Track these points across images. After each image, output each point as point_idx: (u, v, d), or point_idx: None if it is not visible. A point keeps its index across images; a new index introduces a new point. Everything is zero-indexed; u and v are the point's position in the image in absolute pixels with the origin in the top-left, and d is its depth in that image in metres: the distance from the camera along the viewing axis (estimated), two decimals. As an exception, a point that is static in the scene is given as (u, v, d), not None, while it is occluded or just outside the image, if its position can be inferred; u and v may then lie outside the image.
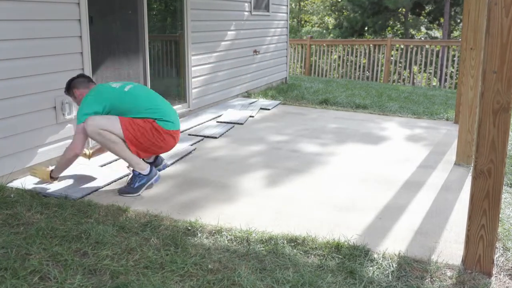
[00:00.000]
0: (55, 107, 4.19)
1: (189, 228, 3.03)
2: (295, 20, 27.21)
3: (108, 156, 4.51)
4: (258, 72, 8.45)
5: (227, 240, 2.89)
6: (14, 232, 2.91)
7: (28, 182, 3.77)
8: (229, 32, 7.33)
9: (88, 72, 4.49)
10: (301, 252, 2.78)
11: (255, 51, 8.23)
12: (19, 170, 3.89)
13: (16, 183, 3.74)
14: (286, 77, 9.81)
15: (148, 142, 3.55)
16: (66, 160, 3.58)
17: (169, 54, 6.22)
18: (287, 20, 9.62)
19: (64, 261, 2.59)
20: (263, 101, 7.51)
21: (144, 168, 3.62)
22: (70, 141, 4.36)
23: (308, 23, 28.46)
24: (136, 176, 3.60)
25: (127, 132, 3.48)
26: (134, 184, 3.59)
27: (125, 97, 3.55)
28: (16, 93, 3.82)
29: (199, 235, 2.95)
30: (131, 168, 3.64)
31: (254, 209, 3.39)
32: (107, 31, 4.84)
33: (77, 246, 2.76)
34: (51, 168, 3.72)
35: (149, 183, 3.64)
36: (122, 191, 3.59)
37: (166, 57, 6.18)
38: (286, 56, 9.74)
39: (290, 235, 2.94)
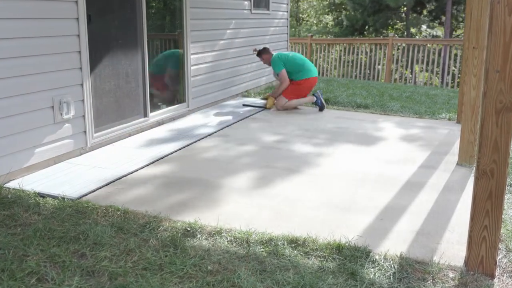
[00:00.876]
0: (52, 106, 4.19)
1: (188, 229, 3.03)
2: (294, 19, 27.20)
3: (108, 156, 4.51)
4: (258, 71, 8.45)
5: (227, 241, 2.89)
6: (11, 233, 2.90)
7: (25, 182, 3.77)
8: (228, 31, 7.33)
9: (86, 70, 4.49)
10: (301, 253, 2.77)
11: (255, 50, 8.22)
12: (16, 170, 3.89)
13: (13, 184, 3.74)
14: (286, 76, 9.79)
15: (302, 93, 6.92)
16: (282, 88, 6.76)
17: (168, 53, 6.22)
18: (287, 19, 9.61)
19: (62, 263, 2.58)
20: (262, 101, 7.51)
21: (312, 98, 6.88)
22: (68, 140, 4.37)
23: (307, 22, 28.46)
24: (316, 103, 6.85)
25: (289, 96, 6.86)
26: (319, 105, 6.81)
27: (291, 59, 6.81)
28: (13, 92, 3.82)
29: (199, 236, 2.95)
30: (313, 103, 6.94)
31: (254, 210, 3.39)
32: (105, 29, 4.84)
33: (75, 247, 2.76)
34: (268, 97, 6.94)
35: (321, 97, 6.80)
36: (320, 110, 6.86)
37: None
38: (286, 55, 9.73)
39: (291, 236, 2.94)
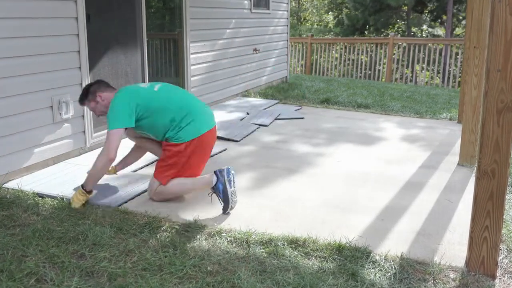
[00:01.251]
0: (51, 106, 4.18)
1: (188, 229, 3.03)
2: (295, 18, 27.21)
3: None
4: (258, 71, 8.45)
5: (227, 242, 2.89)
6: (10, 234, 2.90)
7: (24, 182, 3.77)
8: (228, 30, 7.33)
9: (85, 70, 4.49)
10: (302, 253, 2.77)
11: (255, 50, 8.23)
12: (15, 170, 3.89)
13: (12, 184, 3.74)
14: (286, 76, 9.81)
15: (194, 163, 3.46)
16: (100, 168, 3.34)
17: (168, 52, 6.22)
18: (287, 18, 9.61)
19: (61, 263, 2.58)
20: (262, 101, 7.51)
21: (211, 180, 3.35)
22: (67, 140, 4.36)
23: (307, 21, 28.47)
24: (216, 193, 3.35)
25: (164, 178, 3.43)
26: (222, 198, 3.31)
27: (156, 96, 3.43)
28: (11, 92, 3.82)
29: (198, 236, 2.95)
30: (209, 193, 3.42)
31: (254, 210, 3.39)
32: (104, 29, 4.84)
33: (74, 248, 2.76)
34: (79, 187, 3.41)
35: (227, 183, 3.29)
36: (224, 212, 3.32)
37: (165, 56, 6.17)
38: (287, 55, 9.74)
39: (291, 237, 2.93)
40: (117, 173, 3.91)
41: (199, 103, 3.57)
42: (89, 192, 3.39)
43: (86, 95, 3.53)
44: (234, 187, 3.31)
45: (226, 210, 3.31)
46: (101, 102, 3.50)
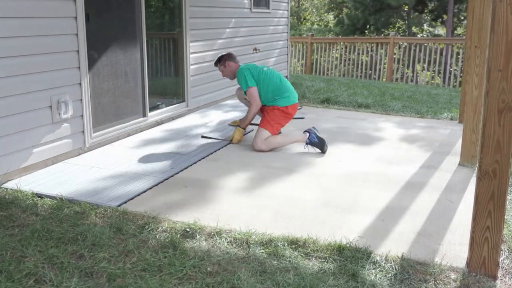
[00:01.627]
0: (50, 106, 4.18)
1: (188, 230, 3.03)
2: (295, 17, 27.22)
3: (107, 157, 4.52)
4: (258, 71, 8.44)
5: (227, 242, 2.89)
6: (9, 234, 2.90)
7: (23, 182, 3.77)
8: (228, 30, 7.33)
9: (84, 70, 4.49)
10: (302, 254, 2.77)
11: (255, 49, 8.23)
12: (14, 170, 3.89)
13: (11, 184, 3.74)
14: (286, 76, 9.81)
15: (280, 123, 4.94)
16: (253, 113, 4.92)
17: (167, 52, 6.22)
18: (287, 18, 9.61)
19: (60, 264, 2.58)
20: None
21: (304, 136, 4.83)
22: (66, 140, 4.37)
23: (307, 21, 28.47)
24: (311, 144, 4.77)
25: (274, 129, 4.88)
26: (318, 143, 4.75)
27: (267, 76, 4.92)
28: (10, 92, 3.82)
29: (198, 237, 2.95)
30: (304, 147, 4.83)
31: (254, 210, 3.39)
32: (104, 28, 4.84)
33: (73, 248, 2.75)
34: (237, 126, 5.13)
35: (317, 132, 4.80)
36: (321, 151, 4.75)
37: (164, 55, 6.18)
38: (287, 54, 9.74)
39: (291, 237, 2.93)
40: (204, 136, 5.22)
41: (291, 87, 5.09)
42: (244, 129, 5.10)
43: (220, 61, 5.12)
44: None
45: (324, 150, 4.75)
46: (226, 68, 5.08)
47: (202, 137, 5.23)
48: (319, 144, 4.72)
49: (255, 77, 4.87)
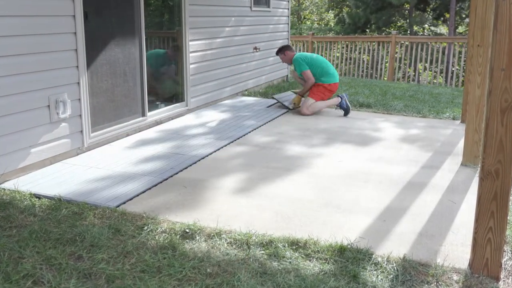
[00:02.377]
0: (48, 105, 4.18)
1: (187, 230, 3.03)
2: (295, 16, 27.21)
3: (105, 157, 4.52)
4: (258, 70, 8.45)
5: (227, 243, 2.89)
6: (6, 235, 2.90)
7: (21, 183, 3.77)
8: (228, 29, 7.33)
9: (82, 69, 4.49)
10: (302, 255, 2.77)
11: (255, 48, 8.22)
12: (11, 171, 3.89)
13: (9, 184, 3.74)
14: (287, 75, 9.80)
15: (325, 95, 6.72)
16: (309, 86, 6.64)
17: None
18: (288, 16, 9.61)
19: (58, 265, 2.58)
20: (261, 100, 7.51)
21: (337, 100, 6.59)
22: (64, 140, 4.37)
23: (308, 20, 28.46)
24: (341, 108, 6.54)
25: (317, 98, 6.67)
26: (344, 109, 6.49)
27: (315, 62, 6.70)
28: (8, 91, 3.82)
29: (198, 238, 2.95)
30: (336, 108, 6.69)
31: (254, 211, 3.39)
32: (102, 27, 4.84)
33: (72, 249, 2.75)
34: (297, 93, 6.88)
35: (346, 99, 6.52)
36: (344, 115, 6.56)
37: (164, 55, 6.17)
38: (287, 53, 9.72)
39: (291, 238, 2.93)
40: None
41: (334, 70, 6.75)
42: (302, 96, 6.83)
43: (281, 50, 6.96)
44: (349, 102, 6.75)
45: (347, 114, 6.54)
46: (285, 56, 6.93)
47: (273, 98, 7.14)
48: (346, 110, 6.48)
49: (308, 62, 6.62)
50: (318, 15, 28.28)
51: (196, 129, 5.63)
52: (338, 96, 6.61)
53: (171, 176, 4.03)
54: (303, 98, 6.79)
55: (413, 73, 11.95)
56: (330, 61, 12.70)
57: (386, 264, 2.68)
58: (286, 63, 7.04)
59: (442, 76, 11.73)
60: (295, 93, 7.10)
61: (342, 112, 6.61)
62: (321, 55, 12.76)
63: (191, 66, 6.40)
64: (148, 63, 5.55)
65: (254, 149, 4.92)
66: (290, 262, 2.69)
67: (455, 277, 2.59)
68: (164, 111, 5.97)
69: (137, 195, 3.62)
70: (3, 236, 2.88)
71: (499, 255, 2.57)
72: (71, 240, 2.85)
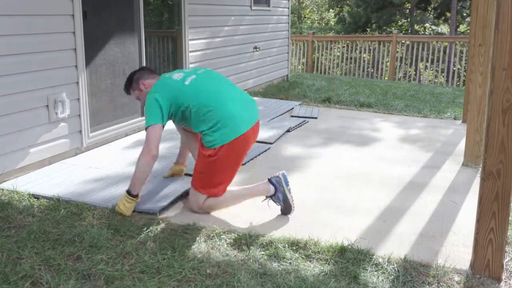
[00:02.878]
0: (47, 105, 4.18)
1: (187, 231, 3.03)
2: (295, 15, 27.21)
3: (104, 157, 4.51)
4: (258, 69, 8.45)
5: (226, 244, 2.89)
6: (5, 236, 2.90)
7: (19, 183, 3.76)
8: (228, 28, 7.33)
9: (81, 68, 4.49)
10: (303, 256, 2.77)
11: (255, 48, 8.23)
12: (10, 171, 3.88)
13: (7, 185, 3.73)
14: (287, 75, 9.81)
15: (229, 171, 3.28)
16: (143, 169, 3.17)
17: (166, 50, 6.22)
18: (288, 15, 9.61)
19: (57, 266, 2.58)
20: (260, 100, 7.51)
21: (268, 189, 3.32)
22: (63, 140, 4.36)
23: (308, 19, 28.48)
24: (275, 201, 3.34)
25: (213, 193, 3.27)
26: (282, 206, 3.32)
27: (185, 92, 3.21)
28: (6, 91, 3.82)
29: (197, 238, 2.95)
30: (263, 200, 3.38)
31: (254, 211, 3.39)
32: (101, 26, 4.84)
33: (71, 250, 2.75)
34: (124, 194, 3.27)
35: (286, 191, 3.29)
36: (283, 213, 3.34)
37: (163, 54, 6.18)
38: (288, 53, 9.74)
39: (292, 239, 2.93)
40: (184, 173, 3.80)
41: (233, 97, 3.29)
42: (136, 196, 3.22)
43: (130, 83, 3.43)
44: (290, 192, 3.31)
45: (288, 214, 3.32)
46: (144, 90, 3.38)
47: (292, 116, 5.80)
48: (286, 208, 3.33)
49: (167, 96, 3.21)
50: (318, 14, 28.29)
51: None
52: (268, 180, 3.36)
53: (171, 176, 4.03)
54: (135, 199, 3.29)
55: (414, 73, 11.95)
56: (330, 61, 12.70)
57: (387, 265, 2.68)
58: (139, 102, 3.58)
59: (443, 76, 11.74)
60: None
61: (279, 206, 3.35)
62: (322, 54, 12.74)
63: (191, 65, 6.40)
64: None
65: (253, 148, 4.91)
66: (290, 263, 2.69)
67: (456, 278, 2.59)
68: (163, 111, 5.96)
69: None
70: (1, 237, 2.88)
71: (500, 256, 2.57)
72: (70, 241, 2.85)
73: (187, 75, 3.32)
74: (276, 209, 3.43)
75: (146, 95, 3.27)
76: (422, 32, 19.97)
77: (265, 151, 4.77)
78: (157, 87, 3.26)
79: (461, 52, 11.06)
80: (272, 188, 3.31)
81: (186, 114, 3.22)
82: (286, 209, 3.32)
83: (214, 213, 3.34)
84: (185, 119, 3.26)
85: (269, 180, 3.34)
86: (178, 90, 3.22)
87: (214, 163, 3.18)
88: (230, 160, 3.23)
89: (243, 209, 3.42)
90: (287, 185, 3.31)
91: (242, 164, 3.75)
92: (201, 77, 3.33)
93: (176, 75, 3.33)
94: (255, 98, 7.67)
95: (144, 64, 5.41)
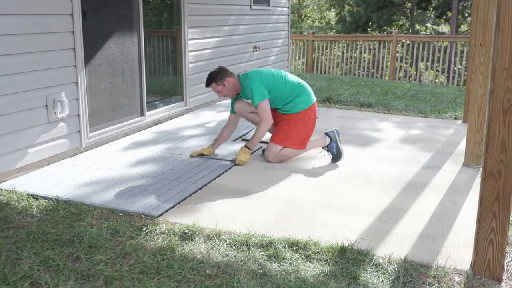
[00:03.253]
0: (46, 105, 4.18)
1: (186, 231, 3.03)
2: (296, 15, 27.22)
3: (103, 157, 4.52)
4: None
5: (226, 244, 2.89)
6: (3, 236, 2.90)
7: (18, 183, 3.77)
8: (228, 28, 7.33)
9: (80, 68, 4.49)
10: (303, 256, 2.77)
11: (255, 47, 8.23)
12: (8, 171, 3.89)
13: (6, 185, 3.74)
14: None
15: (304, 134, 4.45)
16: (264, 132, 4.39)
17: (166, 50, 6.23)
18: (288, 15, 9.62)
19: (56, 266, 2.58)
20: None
21: (325, 141, 4.49)
22: (62, 140, 4.37)
23: (308, 18, 28.48)
24: (328, 150, 4.48)
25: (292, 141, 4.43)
26: (334, 154, 4.45)
27: (276, 79, 4.41)
28: (4, 91, 3.82)
29: (197, 239, 2.95)
30: (320, 151, 4.58)
31: (254, 212, 3.39)
32: (101, 26, 4.84)
33: (70, 251, 2.75)
34: (243, 148, 4.41)
35: (338, 142, 4.45)
36: (333, 161, 4.47)
37: (163, 53, 6.18)
38: (287, 53, 9.74)
39: (292, 239, 2.93)
40: (216, 151, 4.59)
41: (306, 84, 4.59)
42: (250, 149, 4.43)
43: (216, 80, 4.40)
44: (341, 143, 4.51)
45: (337, 161, 4.46)
46: (228, 86, 4.40)
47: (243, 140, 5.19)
48: (336, 155, 4.45)
49: (267, 84, 4.34)
50: (319, 13, 28.29)
51: (195, 129, 5.63)
52: (325, 134, 4.54)
53: (171, 176, 4.03)
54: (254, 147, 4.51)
55: (415, 73, 11.95)
56: (330, 61, 12.71)
57: (387, 266, 2.68)
58: (228, 96, 4.54)
59: (444, 76, 11.74)
60: (199, 155, 4.54)
61: (330, 156, 4.51)
62: (322, 54, 12.75)
63: (190, 65, 6.41)
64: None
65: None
66: (290, 264, 2.69)
67: (457, 279, 2.60)
68: (163, 110, 5.97)
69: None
70: (0, 237, 2.88)
71: (501, 256, 2.57)
72: (69, 241, 2.85)
73: (269, 69, 4.56)
74: (275, 209, 3.43)
75: (245, 84, 4.36)
76: (423, 32, 19.98)
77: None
78: (255, 75, 4.37)
79: (462, 52, 11.07)
80: (328, 139, 4.47)
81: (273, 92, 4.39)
82: (337, 156, 4.45)
83: (214, 214, 3.34)
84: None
85: (326, 133, 4.52)
86: (270, 76, 4.41)
87: (307, 124, 4.45)
88: (311, 121, 4.50)
89: (242, 210, 3.42)
90: (339, 136, 4.50)
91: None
92: (278, 71, 4.59)
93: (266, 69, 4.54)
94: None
95: (143, 63, 5.41)
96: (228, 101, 7.31)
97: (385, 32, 18.36)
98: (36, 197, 3.53)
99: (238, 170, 4.25)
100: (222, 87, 4.41)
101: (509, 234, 2.79)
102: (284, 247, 2.85)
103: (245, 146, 4.40)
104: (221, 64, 7.13)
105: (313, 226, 3.18)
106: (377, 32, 19.12)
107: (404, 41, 11.94)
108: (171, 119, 6.07)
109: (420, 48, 11.30)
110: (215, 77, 4.40)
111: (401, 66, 11.95)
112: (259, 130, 4.35)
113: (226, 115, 6.36)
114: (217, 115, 6.40)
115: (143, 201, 3.49)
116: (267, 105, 4.31)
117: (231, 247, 2.87)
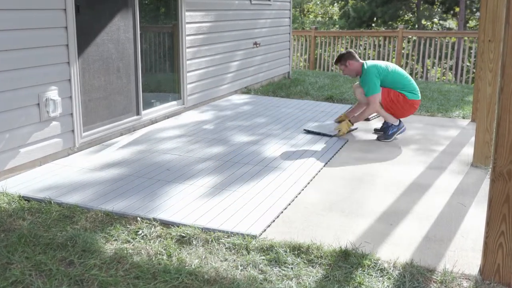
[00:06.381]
0: (38, 104, 4.19)
1: (184, 235, 3.03)
2: (298, 9, 27.23)
3: (97, 157, 4.52)
4: (258, 66, 8.45)
5: (225, 248, 2.89)
6: (-6, 240, 2.90)
7: (9, 184, 3.77)
8: (227, 23, 7.33)
9: (74, 65, 4.49)
10: (305, 261, 2.77)
11: (255, 44, 8.23)
12: (-1, 172, 3.89)
13: (-3, 186, 3.74)
14: (289, 72, 9.81)
15: (398, 110, 5.31)
16: (367, 114, 5.41)
17: (163, 46, 6.23)
18: (290, 10, 9.61)
19: (48, 271, 2.58)
20: (260, 98, 7.52)
21: (395, 121, 5.31)
22: (55, 140, 4.37)
23: (311, 13, 28.49)
24: (389, 127, 5.29)
25: (385, 103, 5.29)
26: (388, 132, 5.28)
27: (389, 75, 5.26)
28: (-4, 88, 3.82)
29: (195, 242, 2.95)
30: (386, 122, 5.34)
31: (254, 214, 3.39)
32: (95, 21, 4.84)
33: (63, 255, 2.76)
34: (347, 121, 5.41)
35: (400, 131, 5.29)
36: (379, 139, 5.31)
37: (159, 50, 6.18)
38: (289, 49, 9.74)
39: (293, 243, 2.93)
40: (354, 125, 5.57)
41: (412, 81, 5.42)
42: (353, 124, 5.48)
43: (340, 60, 5.44)
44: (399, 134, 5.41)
45: (380, 139, 5.31)
46: (348, 67, 5.38)
47: (306, 131, 5.59)
48: (386, 136, 5.33)
49: (382, 78, 5.26)
50: (322, 8, 28.30)
51: (194, 128, 5.63)
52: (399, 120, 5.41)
53: (171, 176, 4.03)
54: (352, 127, 5.55)
55: (421, 70, 11.96)
56: (334, 57, 12.70)
57: (392, 270, 2.68)
58: (347, 74, 5.55)
59: (451, 73, 11.74)
60: (339, 121, 5.71)
61: (375, 135, 5.48)
62: (325, 51, 12.77)
63: (188, 62, 6.41)
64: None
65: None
66: (292, 268, 2.69)
67: (465, 284, 2.60)
68: (159, 109, 5.97)
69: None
70: (-10, 241, 2.89)
71: (511, 260, 2.57)
72: (62, 245, 2.85)
73: (387, 65, 5.37)
74: (276, 212, 3.43)
75: (355, 69, 5.36)
76: (430, 28, 19.98)
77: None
78: (376, 68, 5.26)
79: (470, 48, 11.06)
80: (398, 121, 5.34)
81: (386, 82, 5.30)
82: (385, 136, 5.31)
83: (213, 215, 3.34)
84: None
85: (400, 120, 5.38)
86: (384, 71, 5.29)
87: (410, 108, 5.34)
88: (413, 109, 5.39)
89: (243, 212, 3.42)
90: (402, 132, 5.38)
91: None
92: (395, 67, 5.43)
93: (380, 63, 5.39)
94: (258, 95, 7.66)
95: (139, 60, 5.41)
96: (226, 99, 7.33)
97: (390, 28, 18.35)
98: (27, 199, 3.54)
99: (236, 170, 4.25)
100: (344, 67, 5.45)
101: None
102: (286, 251, 2.85)
103: (349, 120, 5.46)
104: (220, 61, 7.21)
105: (315, 229, 3.18)
106: (382, 27, 19.12)
107: (410, 37, 11.94)
108: (168, 118, 6.07)
109: (427, 44, 11.30)
110: (341, 58, 5.47)
111: (407, 63, 11.95)
112: (364, 112, 5.43)
113: (224, 113, 6.37)
114: (215, 113, 6.40)
115: (139, 203, 3.48)
116: (376, 98, 5.24)
117: (230, 251, 2.87)
